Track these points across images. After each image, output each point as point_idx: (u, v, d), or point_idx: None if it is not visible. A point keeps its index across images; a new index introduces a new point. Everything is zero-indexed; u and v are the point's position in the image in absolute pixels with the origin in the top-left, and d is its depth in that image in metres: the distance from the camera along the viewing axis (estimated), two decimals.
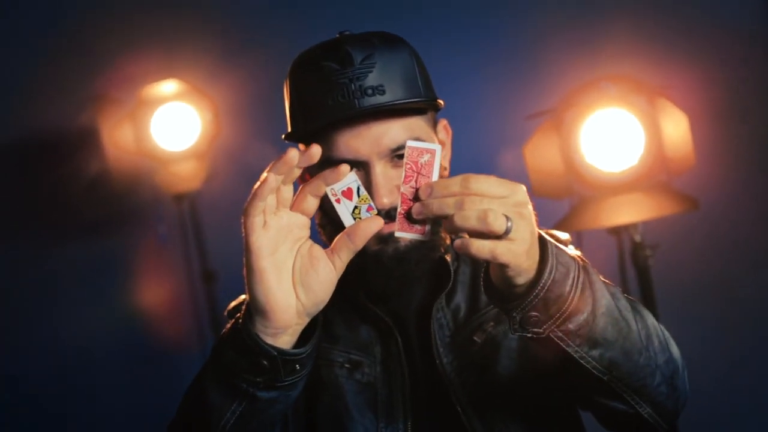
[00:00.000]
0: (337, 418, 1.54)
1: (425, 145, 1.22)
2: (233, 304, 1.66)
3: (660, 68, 3.01)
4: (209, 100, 3.38)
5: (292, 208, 1.24)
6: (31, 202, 3.60)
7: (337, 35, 1.51)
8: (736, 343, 3.15)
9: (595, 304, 1.22)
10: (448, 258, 1.59)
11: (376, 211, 1.23)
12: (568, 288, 1.19)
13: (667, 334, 1.41)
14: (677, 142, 2.55)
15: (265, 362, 1.24)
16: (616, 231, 2.77)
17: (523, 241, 1.14)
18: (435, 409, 1.54)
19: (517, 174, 2.61)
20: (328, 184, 1.23)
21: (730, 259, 3.14)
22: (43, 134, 3.55)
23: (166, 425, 1.43)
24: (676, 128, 2.53)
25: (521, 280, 1.18)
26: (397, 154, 1.47)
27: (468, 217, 1.11)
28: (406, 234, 1.21)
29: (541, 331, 1.20)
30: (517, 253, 1.13)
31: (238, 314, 1.28)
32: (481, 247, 1.12)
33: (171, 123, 3.33)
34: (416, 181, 1.20)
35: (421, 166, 1.21)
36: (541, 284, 1.17)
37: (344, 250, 1.24)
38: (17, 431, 3.50)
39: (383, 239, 1.44)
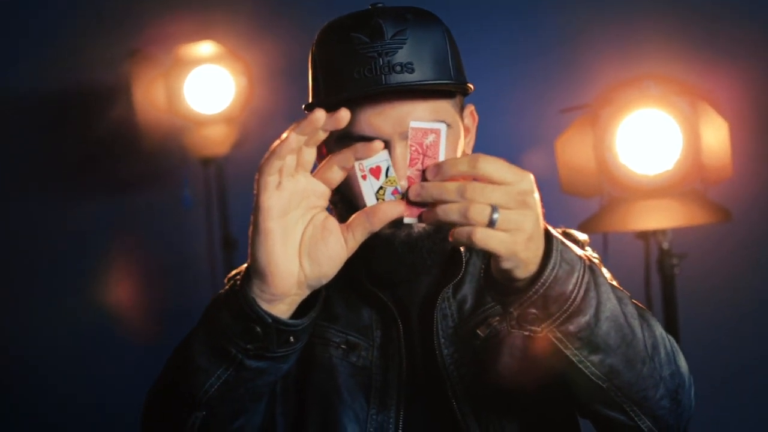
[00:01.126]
0: (327, 400, 1.50)
1: (429, 125, 1.17)
2: (234, 272, 1.62)
3: (702, 71, 2.93)
4: (244, 64, 3.35)
5: (315, 175, 1.20)
6: (62, 154, 3.61)
7: (369, 6, 1.46)
8: (757, 357, 3.09)
9: (599, 306, 1.17)
10: (462, 247, 1.55)
11: (401, 196, 1.17)
12: (570, 287, 1.14)
13: (675, 346, 1.36)
14: (715, 150, 2.48)
15: (258, 329, 1.18)
16: (644, 236, 2.71)
17: (522, 231, 1.09)
18: (429, 401, 1.50)
19: (547, 169, 2.57)
20: (357, 159, 1.19)
21: (757, 275, 3.07)
22: (78, 87, 3.55)
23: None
24: (716, 135, 2.47)
25: (520, 273, 1.13)
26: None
27: (450, 212, 1.08)
28: (413, 220, 1.17)
29: (539, 329, 1.16)
30: (510, 243, 1.08)
31: (238, 276, 1.24)
32: (461, 233, 1.08)
33: (204, 85, 3.31)
34: (422, 163, 1.16)
35: (427, 147, 1.16)
36: (542, 280, 1.12)
37: (360, 229, 1.19)
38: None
39: (396, 223, 1.39)
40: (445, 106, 1.45)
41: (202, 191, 3.51)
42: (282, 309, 1.20)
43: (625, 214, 2.56)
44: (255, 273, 1.18)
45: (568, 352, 1.18)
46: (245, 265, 1.43)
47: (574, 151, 2.58)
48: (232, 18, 3.46)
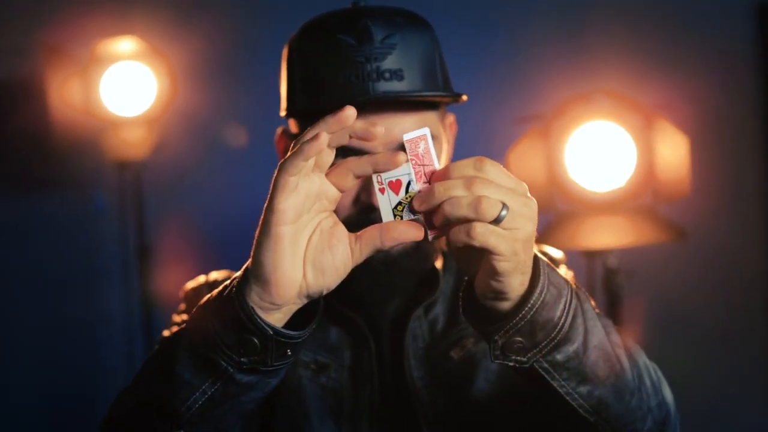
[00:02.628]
0: (295, 423, 1.40)
1: (417, 133, 1.06)
2: (191, 285, 1.52)
3: (657, 87, 2.91)
4: (166, 61, 3.17)
5: (327, 176, 1.09)
6: None
7: (351, 5, 1.38)
8: (705, 382, 3.01)
9: (587, 335, 1.09)
10: (439, 265, 1.46)
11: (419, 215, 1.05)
12: (558, 313, 1.06)
13: (660, 374, 1.29)
14: (672, 166, 2.41)
15: (255, 340, 1.06)
16: (590, 253, 2.62)
17: (523, 232, 1.00)
18: (400, 426, 1.40)
19: None
20: (376, 171, 1.06)
21: (709, 296, 3.00)
22: None
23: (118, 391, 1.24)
24: (673, 151, 2.40)
25: (515, 282, 1.03)
26: (404, 148, 1.30)
27: (460, 204, 0.99)
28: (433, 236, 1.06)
29: (525, 360, 1.07)
30: (511, 241, 0.99)
31: (231, 281, 1.09)
32: (459, 230, 1.00)
33: (123, 84, 3.12)
34: (426, 174, 1.05)
35: (422, 156, 1.05)
36: (530, 304, 1.04)
37: (369, 245, 1.08)
38: None
39: None
40: (431, 118, 1.38)
41: (116, 197, 3.32)
42: (277, 318, 1.08)
43: (574, 231, 2.47)
44: (257, 279, 1.06)
45: (555, 384, 1.09)
46: (202, 278, 1.31)
47: (525, 163, 2.49)
48: (154, 12, 3.30)
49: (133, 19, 3.27)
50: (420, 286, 1.44)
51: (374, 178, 1.06)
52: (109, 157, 3.25)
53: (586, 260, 2.67)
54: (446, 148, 1.46)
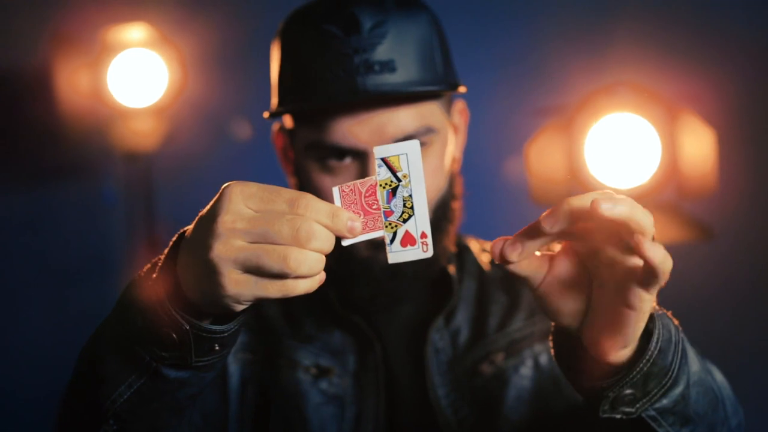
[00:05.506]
0: (292, 430, 1.32)
1: (395, 147, 0.90)
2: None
3: (683, 79, 2.81)
4: (177, 50, 3.09)
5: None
6: None
7: None
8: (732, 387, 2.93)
9: (689, 371, 0.97)
10: (452, 270, 1.36)
11: (384, 233, 0.91)
12: (671, 357, 0.93)
13: (732, 390, 1.17)
14: (697, 162, 2.32)
15: (173, 335, 0.92)
16: None
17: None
18: None
19: (519, 175, 2.47)
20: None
21: (736, 299, 2.91)
22: None
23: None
24: (699, 145, 2.31)
25: (633, 341, 0.89)
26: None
27: (616, 203, 0.83)
28: (402, 256, 0.91)
29: (633, 411, 0.94)
30: (667, 258, 0.84)
31: (158, 258, 0.96)
32: (658, 253, 0.82)
33: (133, 72, 3.04)
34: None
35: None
36: (648, 356, 0.90)
37: None
38: None
39: (376, 245, 1.18)
40: (431, 109, 1.29)
41: (125, 188, 3.26)
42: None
43: None
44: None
45: (660, 430, 0.96)
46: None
47: (544, 157, 2.41)
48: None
49: (142, 6, 3.20)
50: (430, 291, 1.36)
51: (334, 191, 0.91)
52: (118, 148, 3.19)
53: None
54: (455, 139, 1.38)
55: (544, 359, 1.35)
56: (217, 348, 0.95)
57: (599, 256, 0.87)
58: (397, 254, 0.91)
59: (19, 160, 3.32)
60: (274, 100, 1.35)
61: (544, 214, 0.85)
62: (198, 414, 1.24)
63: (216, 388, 1.31)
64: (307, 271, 0.83)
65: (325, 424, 1.31)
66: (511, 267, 0.89)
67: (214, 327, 0.92)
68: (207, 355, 0.94)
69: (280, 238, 0.82)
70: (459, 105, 1.41)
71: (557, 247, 0.92)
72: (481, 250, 1.48)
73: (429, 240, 0.90)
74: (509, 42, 3.03)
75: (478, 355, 1.33)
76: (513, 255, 0.87)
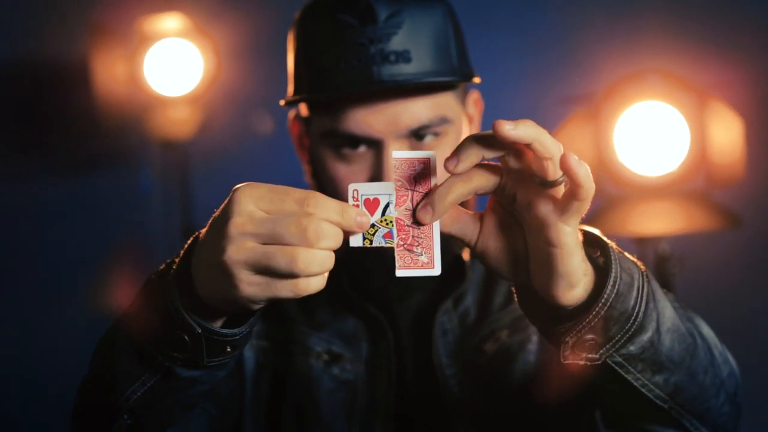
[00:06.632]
0: (303, 419, 1.33)
1: (416, 154, 0.92)
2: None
3: (711, 66, 2.77)
4: (211, 40, 3.12)
5: None
6: (13, 135, 3.39)
7: None
8: (759, 375, 2.89)
9: (660, 318, 0.97)
10: (466, 256, 1.36)
11: (395, 243, 0.92)
12: (632, 302, 0.93)
13: (721, 341, 1.18)
14: (726, 149, 2.30)
15: (186, 337, 0.94)
16: (641, 240, 2.52)
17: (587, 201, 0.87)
18: (425, 424, 1.33)
19: None
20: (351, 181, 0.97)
21: (764, 287, 2.88)
22: (31, 61, 3.32)
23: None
24: (728, 133, 2.29)
25: (574, 275, 0.89)
26: (417, 134, 1.26)
27: (548, 143, 0.84)
28: (409, 272, 0.92)
29: (596, 357, 0.95)
30: (590, 175, 0.85)
31: (172, 260, 0.98)
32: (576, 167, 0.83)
33: (169, 61, 3.08)
34: (412, 200, 0.92)
35: (416, 181, 0.92)
36: (604, 298, 0.91)
37: None
38: None
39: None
40: (446, 100, 1.29)
41: (161, 177, 3.29)
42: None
43: (624, 216, 2.38)
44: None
45: (629, 377, 0.98)
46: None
47: (572, 146, 2.39)
48: None
49: None
50: (445, 278, 1.35)
51: (350, 189, 0.93)
52: (155, 137, 3.22)
53: (636, 247, 2.56)
54: (470, 129, 1.38)
55: None
56: (228, 349, 0.97)
57: (518, 200, 0.89)
58: (404, 271, 0.92)
59: (58, 150, 3.36)
60: (290, 89, 1.36)
61: (446, 158, 0.86)
62: (211, 403, 1.25)
63: (231, 376, 1.31)
64: (317, 269, 0.84)
65: (337, 410, 1.32)
66: (445, 228, 0.91)
67: (225, 331, 0.94)
68: (219, 356, 0.97)
69: (289, 238, 0.83)
70: (474, 95, 1.42)
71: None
72: None
73: (437, 256, 0.92)
74: (536, 31, 3.01)
75: (483, 334, 1.34)
76: (426, 217, 0.89)
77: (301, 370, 1.34)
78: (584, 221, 2.42)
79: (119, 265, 3.25)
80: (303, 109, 1.38)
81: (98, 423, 1.07)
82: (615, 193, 2.41)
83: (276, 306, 1.40)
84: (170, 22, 3.10)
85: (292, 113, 1.45)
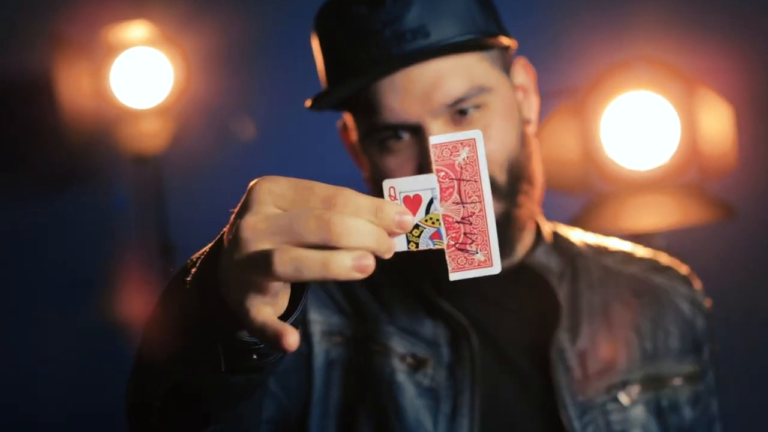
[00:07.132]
0: (385, 418, 1.26)
1: (457, 136, 0.78)
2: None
3: (699, 53, 2.73)
4: (180, 48, 3.04)
5: None
6: None
7: None
8: (761, 369, 2.86)
9: None
10: (543, 259, 1.37)
11: (444, 243, 0.78)
12: None
13: None
14: (716, 138, 2.25)
15: (203, 347, 0.83)
16: (634, 236, 2.46)
17: None
18: None
19: None
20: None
21: (761, 278, 2.83)
22: None
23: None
24: (718, 122, 2.24)
25: None
26: (458, 109, 1.19)
27: None
28: (465, 274, 0.79)
29: None
30: None
31: (189, 260, 0.87)
32: None
33: (137, 72, 3.00)
34: (459, 192, 0.79)
35: (461, 168, 0.79)
36: None
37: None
38: None
39: None
40: (481, 68, 1.22)
41: (134, 192, 3.21)
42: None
43: (615, 212, 2.34)
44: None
45: None
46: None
47: (557, 141, 2.35)
48: None
49: (142, 4, 3.15)
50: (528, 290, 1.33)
51: (385, 187, 0.78)
52: (125, 151, 3.14)
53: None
54: (524, 100, 1.32)
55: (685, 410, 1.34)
56: (255, 358, 0.84)
57: None
58: (459, 273, 0.80)
59: (24, 169, 3.28)
60: (325, 86, 1.33)
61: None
62: (273, 403, 1.22)
63: (298, 370, 1.27)
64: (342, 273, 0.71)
65: (421, 417, 1.26)
66: None
67: (249, 339, 0.82)
68: (244, 364, 0.85)
69: (308, 237, 0.71)
70: (521, 61, 1.35)
71: None
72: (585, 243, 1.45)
73: (495, 252, 0.79)
74: (516, 20, 2.97)
75: (614, 382, 1.29)
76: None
77: (382, 370, 1.28)
78: (574, 220, 2.31)
79: (97, 286, 3.19)
80: (347, 117, 1.34)
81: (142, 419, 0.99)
82: (604, 189, 2.36)
83: (355, 302, 1.35)
84: (137, 30, 3.02)
85: (339, 123, 1.40)
